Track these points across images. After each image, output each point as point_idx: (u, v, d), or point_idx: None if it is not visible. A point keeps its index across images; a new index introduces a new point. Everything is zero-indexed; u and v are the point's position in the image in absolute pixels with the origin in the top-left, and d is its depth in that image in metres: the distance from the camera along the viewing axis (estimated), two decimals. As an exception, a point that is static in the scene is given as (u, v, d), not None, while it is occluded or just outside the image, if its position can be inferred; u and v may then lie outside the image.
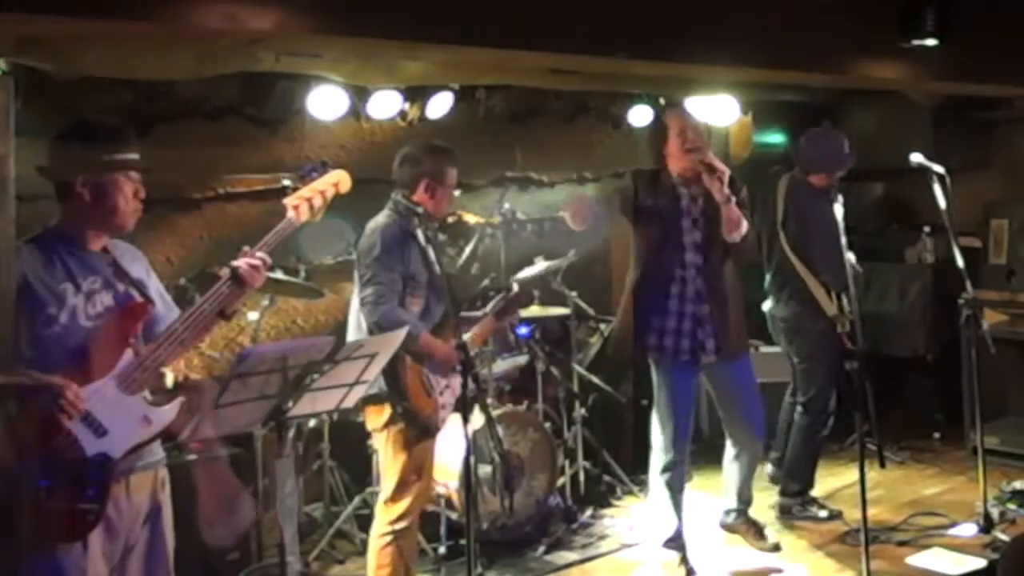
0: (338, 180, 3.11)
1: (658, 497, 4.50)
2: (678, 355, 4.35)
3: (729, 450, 4.71)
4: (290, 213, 3.00)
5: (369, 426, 3.92)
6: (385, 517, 3.83)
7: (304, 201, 3.01)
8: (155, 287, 3.01)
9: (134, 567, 2.83)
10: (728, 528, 4.88)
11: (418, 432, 3.79)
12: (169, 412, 2.81)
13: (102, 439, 2.67)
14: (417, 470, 3.83)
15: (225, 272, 2.89)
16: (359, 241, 3.95)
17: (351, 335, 3.90)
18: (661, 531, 4.52)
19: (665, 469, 4.44)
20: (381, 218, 3.94)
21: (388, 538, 3.80)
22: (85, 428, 2.65)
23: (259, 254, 2.89)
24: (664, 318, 4.34)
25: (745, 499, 4.79)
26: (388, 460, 3.84)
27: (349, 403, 3.32)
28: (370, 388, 3.65)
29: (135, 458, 2.78)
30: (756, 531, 4.78)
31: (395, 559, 3.80)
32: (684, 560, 4.49)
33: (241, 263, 2.86)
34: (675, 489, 4.47)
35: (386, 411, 3.79)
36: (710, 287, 4.36)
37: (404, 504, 3.80)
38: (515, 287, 4.68)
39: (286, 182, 3.05)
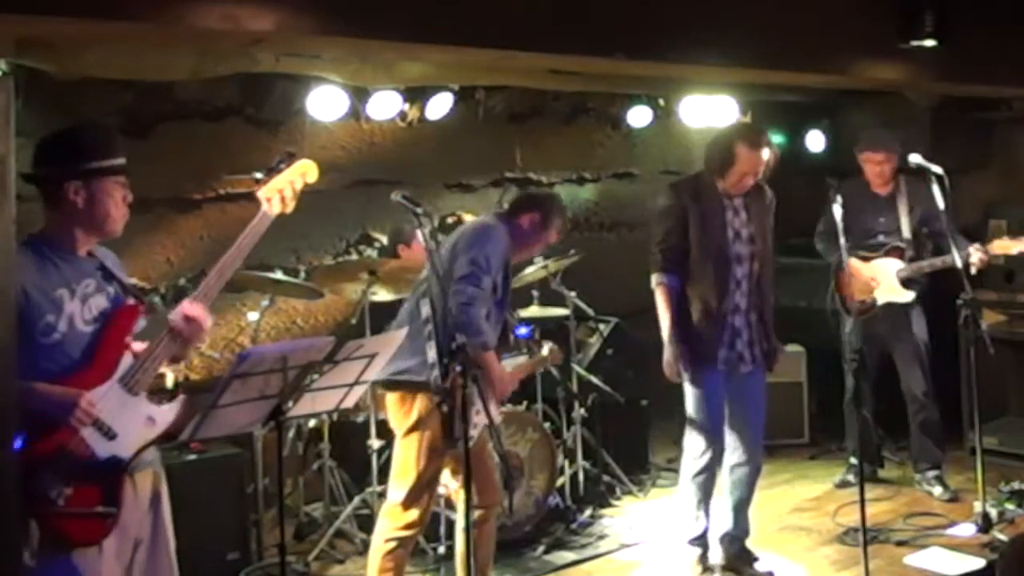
0: (305, 170, 3.08)
1: (688, 500, 4.46)
2: (717, 364, 4.31)
3: (727, 463, 4.51)
4: (264, 206, 3.01)
5: (393, 424, 3.77)
6: (392, 523, 3.73)
7: (276, 193, 3.01)
8: (132, 286, 3.03)
9: (140, 558, 2.85)
10: (725, 563, 4.55)
11: (452, 439, 3.51)
12: (172, 410, 2.84)
13: (112, 442, 2.70)
14: (433, 481, 3.75)
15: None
16: (467, 231, 3.89)
17: (402, 319, 3.81)
18: (688, 530, 4.50)
19: (698, 474, 4.41)
20: (491, 220, 3.95)
21: (393, 543, 3.72)
22: (96, 432, 2.67)
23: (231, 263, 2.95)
24: (706, 327, 4.28)
25: (743, 527, 4.57)
26: (408, 464, 3.70)
27: (349, 403, 3.32)
28: (427, 373, 3.57)
29: (140, 457, 2.80)
30: (750, 562, 4.53)
31: (399, 564, 3.75)
32: (704, 558, 4.49)
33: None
34: (706, 493, 4.45)
35: (415, 412, 3.68)
36: (751, 299, 4.34)
37: (415, 514, 3.72)
38: (545, 350, 4.61)
39: (257, 175, 3.05)
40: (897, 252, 5.40)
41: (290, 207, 3.04)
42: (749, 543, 4.59)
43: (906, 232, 5.41)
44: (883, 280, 5.38)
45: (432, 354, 3.48)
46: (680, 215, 4.33)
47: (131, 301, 2.87)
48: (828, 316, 5.60)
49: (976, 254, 5.04)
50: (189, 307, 2.84)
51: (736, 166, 4.29)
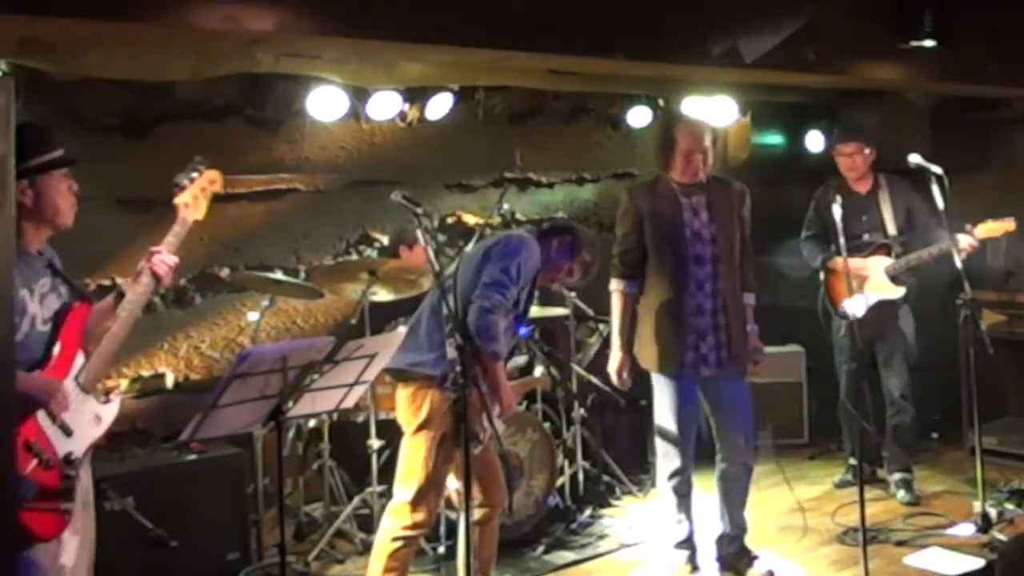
0: (214, 178, 3.18)
1: (667, 502, 4.48)
2: (681, 367, 4.29)
3: (716, 467, 4.51)
4: (182, 211, 3.08)
5: (402, 420, 3.74)
6: (399, 521, 3.70)
7: (193, 199, 3.09)
8: (77, 283, 3.07)
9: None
10: (725, 563, 4.56)
11: (461, 439, 3.44)
12: (113, 409, 2.91)
13: (69, 439, 2.76)
14: (442, 481, 3.74)
15: (146, 272, 2.98)
16: (502, 240, 3.86)
17: (422, 311, 3.78)
18: (672, 534, 4.50)
19: (672, 476, 4.42)
20: (526, 235, 3.90)
21: (399, 543, 3.69)
22: (56, 429, 2.73)
23: (168, 254, 3.00)
24: (666, 329, 4.27)
25: (739, 524, 4.52)
26: (417, 463, 3.66)
27: (349, 403, 3.32)
28: (444, 367, 3.58)
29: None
30: (750, 561, 4.52)
31: (404, 562, 3.74)
32: (692, 559, 4.49)
33: (156, 262, 2.96)
34: (683, 494, 4.45)
35: (425, 409, 3.65)
36: (716, 300, 4.29)
37: (422, 514, 3.70)
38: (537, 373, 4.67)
39: (183, 181, 3.14)
40: (884, 249, 5.40)
41: (201, 213, 3.12)
42: (748, 543, 4.58)
43: (891, 229, 5.42)
44: (872, 278, 5.38)
45: (452, 350, 3.48)
46: (636, 218, 4.34)
47: (78, 297, 2.93)
48: (819, 317, 5.61)
49: (965, 240, 5.01)
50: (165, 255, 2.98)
51: (679, 145, 4.26)
